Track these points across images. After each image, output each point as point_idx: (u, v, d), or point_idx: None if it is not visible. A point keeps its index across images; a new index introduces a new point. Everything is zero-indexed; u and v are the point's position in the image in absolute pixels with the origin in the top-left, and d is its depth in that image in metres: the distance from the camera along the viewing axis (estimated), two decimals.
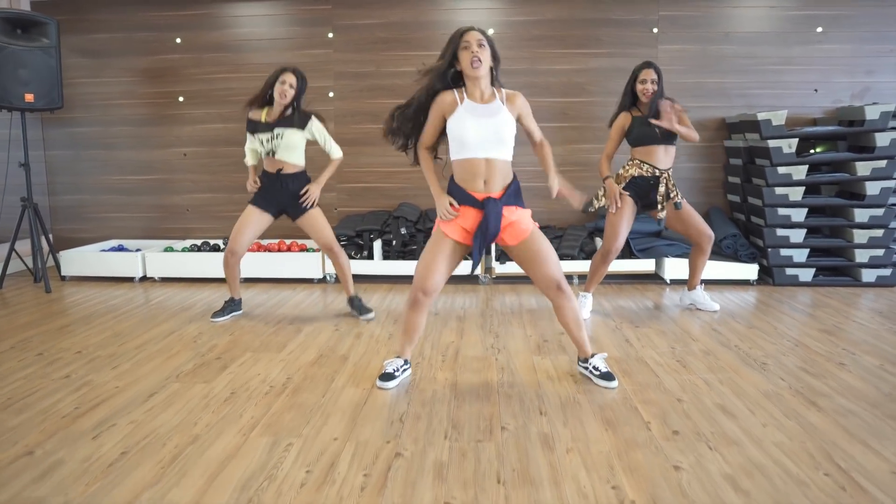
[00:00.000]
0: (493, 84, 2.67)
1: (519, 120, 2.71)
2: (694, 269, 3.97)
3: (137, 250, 5.27)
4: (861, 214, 4.65)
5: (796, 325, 3.72)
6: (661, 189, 3.66)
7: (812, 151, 4.81)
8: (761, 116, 4.62)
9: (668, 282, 4.84)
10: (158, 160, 5.63)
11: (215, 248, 5.24)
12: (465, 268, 4.06)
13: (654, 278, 4.98)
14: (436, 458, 2.13)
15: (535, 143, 2.81)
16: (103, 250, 5.25)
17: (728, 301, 4.28)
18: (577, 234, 5.02)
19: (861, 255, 4.69)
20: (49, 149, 5.71)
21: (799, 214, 4.68)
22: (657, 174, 3.68)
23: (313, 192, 3.73)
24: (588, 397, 2.64)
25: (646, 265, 4.82)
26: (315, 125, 3.70)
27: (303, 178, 3.75)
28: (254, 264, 4.88)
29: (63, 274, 5.06)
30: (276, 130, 3.63)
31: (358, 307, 3.91)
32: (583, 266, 4.76)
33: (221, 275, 4.72)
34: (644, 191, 3.70)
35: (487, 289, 4.72)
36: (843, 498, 1.87)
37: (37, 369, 3.01)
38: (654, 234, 5.01)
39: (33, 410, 2.53)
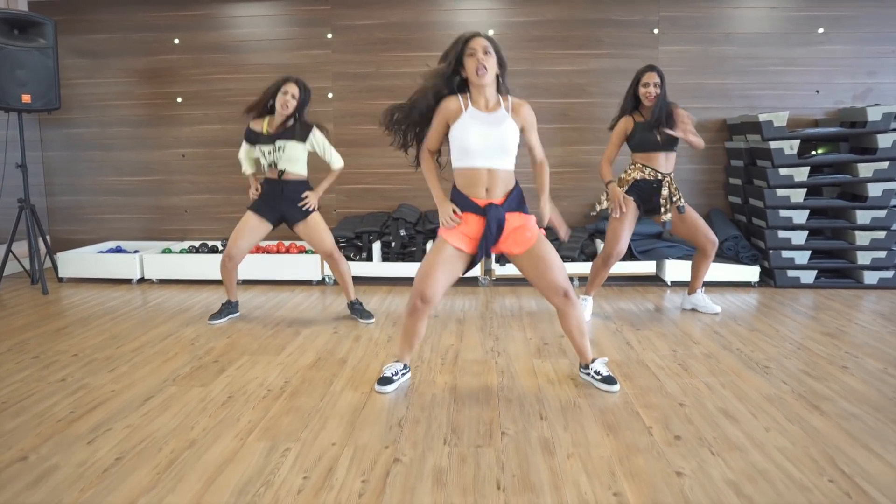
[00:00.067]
0: (499, 91, 2.63)
1: (522, 131, 2.65)
2: (696, 274, 3.95)
3: (135, 252, 5.25)
4: (863, 216, 4.63)
5: (798, 327, 3.70)
6: (664, 192, 3.64)
7: (814, 153, 4.79)
8: (763, 118, 4.60)
9: (669, 284, 4.82)
10: (156, 161, 5.61)
11: (213, 250, 5.22)
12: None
13: (655, 280, 4.95)
14: (435, 464, 2.10)
15: (535, 161, 2.74)
16: (101, 252, 5.23)
17: (729, 303, 4.26)
18: (578, 236, 4.99)
19: (863, 258, 4.67)
20: (46, 150, 5.68)
21: (801, 216, 4.66)
22: (660, 177, 3.65)
23: (312, 200, 3.70)
24: (589, 401, 2.62)
25: (646, 267, 4.80)
26: (316, 137, 3.67)
27: (304, 186, 3.72)
28: (252, 266, 4.85)
29: (60, 275, 5.03)
30: (278, 143, 3.60)
31: (359, 312, 3.88)
32: (583, 268, 4.73)
33: (220, 276, 4.69)
34: (647, 194, 3.67)
35: (487, 291, 4.70)
36: None
37: (33, 372, 2.98)
38: (654, 236, 4.98)
39: (29, 414, 2.50)
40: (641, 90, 3.60)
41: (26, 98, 4.54)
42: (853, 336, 3.52)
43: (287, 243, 5.23)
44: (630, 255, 4.80)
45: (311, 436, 2.30)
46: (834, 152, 4.81)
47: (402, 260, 4.95)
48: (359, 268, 4.84)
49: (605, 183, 3.70)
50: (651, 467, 2.07)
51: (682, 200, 3.70)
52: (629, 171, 3.71)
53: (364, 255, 4.94)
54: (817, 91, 5.19)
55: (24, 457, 2.15)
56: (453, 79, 2.59)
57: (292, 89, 3.56)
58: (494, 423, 2.41)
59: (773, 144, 4.57)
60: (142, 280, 5.05)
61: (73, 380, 2.87)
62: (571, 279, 4.87)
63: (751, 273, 4.73)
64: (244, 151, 3.79)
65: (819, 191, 4.93)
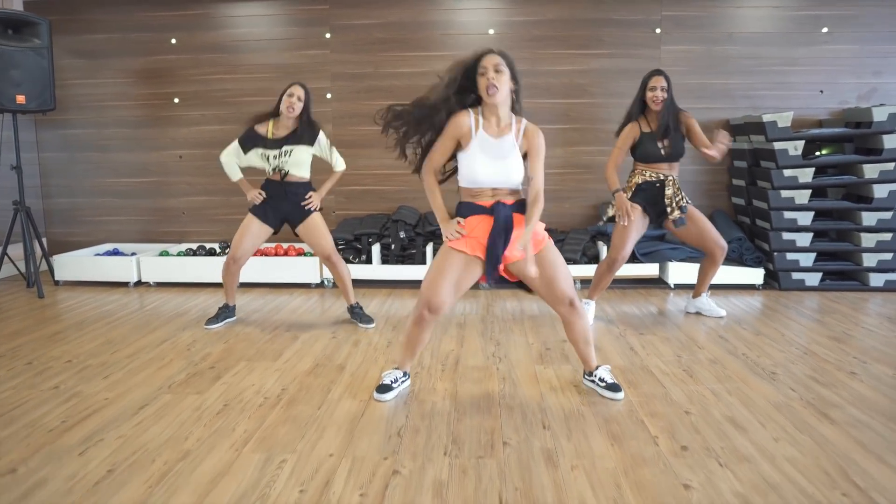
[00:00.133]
0: (514, 110, 2.54)
1: (525, 155, 2.56)
2: (702, 279, 3.89)
3: (132, 254, 5.19)
4: (869, 218, 4.57)
5: (804, 331, 3.64)
6: (668, 192, 3.59)
7: (818, 153, 4.73)
8: (766, 118, 4.54)
9: (673, 286, 4.76)
10: (154, 163, 5.55)
11: (211, 252, 5.16)
12: None
13: (658, 283, 4.89)
14: (435, 476, 2.04)
15: (531, 190, 2.53)
16: (98, 254, 5.16)
17: (734, 306, 4.20)
18: (580, 238, 4.93)
19: (869, 259, 4.61)
20: (43, 151, 5.62)
21: (805, 218, 4.60)
22: (662, 178, 3.60)
23: (315, 201, 3.69)
24: (592, 409, 2.56)
25: (650, 269, 4.74)
26: (323, 140, 3.66)
27: (307, 187, 3.69)
28: (251, 268, 4.78)
29: (56, 278, 4.97)
30: (285, 147, 3.57)
31: (358, 316, 3.83)
32: (585, 270, 4.68)
33: (217, 279, 4.65)
34: (653, 196, 3.62)
35: (488, 294, 4.64)
36: None
37: (25, 379, 2.92)
38: (657, 238, 4.92)
39: (19, 424, 2.44)
40: (648, 94, 3.55)
41: (21, 99, 4.48)
42: (860, 340, 3.46)
43: (286, 245, 5.17)
44: (633, 258, 4.74)
45: (308, 446, 2.25)
46: (839, 153, 4.75)
47: (402, 262, 4.89)
48: (358, 270, 4.77)
49: (613, 192, 3.64)
50: (657, 480, 2.01)
51: (686, 200, 3.65)
52: (631, 178, 3.70)
53: (363, 257, 4.88)
54: (821, 91, 5.12)
55: (13, 469, 2.10)
56: (468, 97, 2.53)
57: (298, 92, 3.53)
58: (496, 433, 2.35)
59: (778, 145, 4.52)
60: (139, 283, 4.99)
61: (66, 387, 2.82)
62: (573, 281, 4.81)
63: (755, 275, 4.67)
64: (233, 157, 3.64)
65: (824, 192, 4.87)
